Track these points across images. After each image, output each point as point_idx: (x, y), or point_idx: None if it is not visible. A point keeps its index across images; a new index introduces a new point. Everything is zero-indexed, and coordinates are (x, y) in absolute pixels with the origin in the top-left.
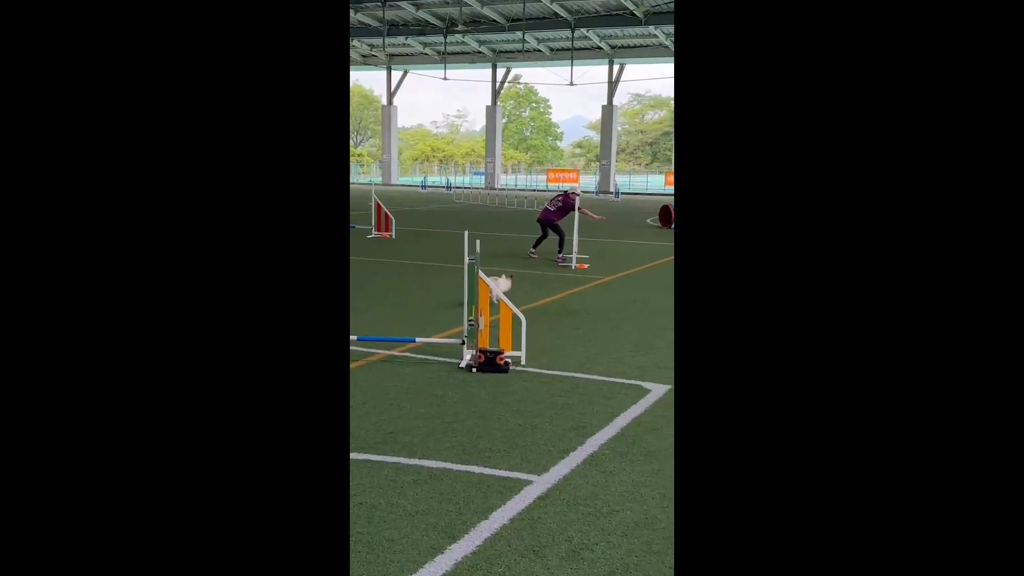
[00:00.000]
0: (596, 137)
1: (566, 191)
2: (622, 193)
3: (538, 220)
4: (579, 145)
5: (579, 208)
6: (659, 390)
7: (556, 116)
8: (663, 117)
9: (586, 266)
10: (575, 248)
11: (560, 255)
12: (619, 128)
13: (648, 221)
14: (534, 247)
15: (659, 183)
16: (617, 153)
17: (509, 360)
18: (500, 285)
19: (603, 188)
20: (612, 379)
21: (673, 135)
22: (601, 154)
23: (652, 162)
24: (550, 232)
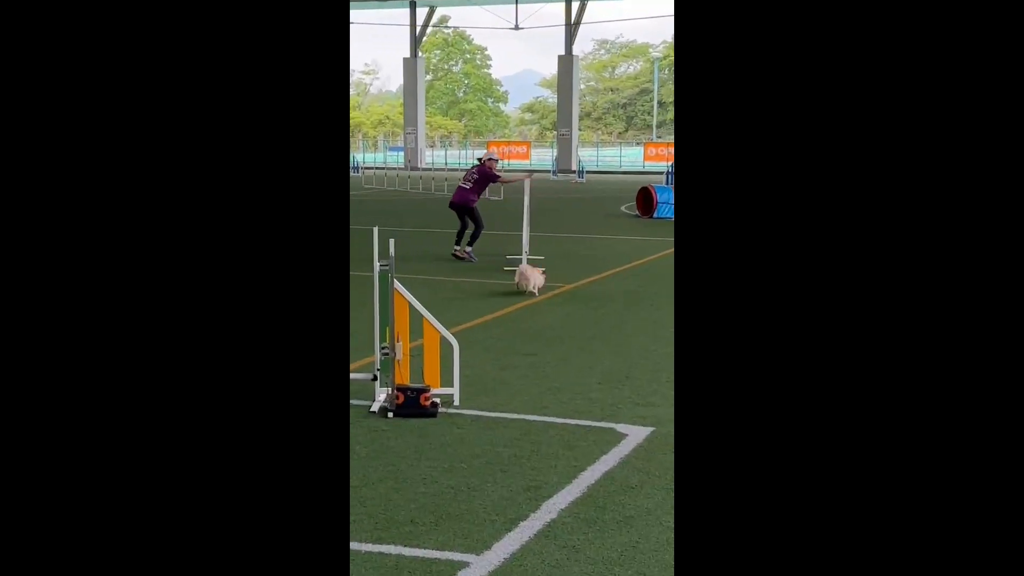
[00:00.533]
0: (552, 98)
1: (480, 159)
2: (588, 172)
3: (451, 205)
4: (530, 109)
5: (499, 176)
6: (637, 434)
7: (498, 71)
8: (639, 70)
9: (541, 270)
10: (525, 246)
11: (468, 249)
12: (582, 86)
13: (623, 208)
14: (457, 243)
15: (636, 158)
16: (580, 119)
17: (437, 400)
18: (533, 277)
19: (563, 166)
20: (576, 422)
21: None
22: (559, 121)
23: (626, 131)
24: (468, 219)
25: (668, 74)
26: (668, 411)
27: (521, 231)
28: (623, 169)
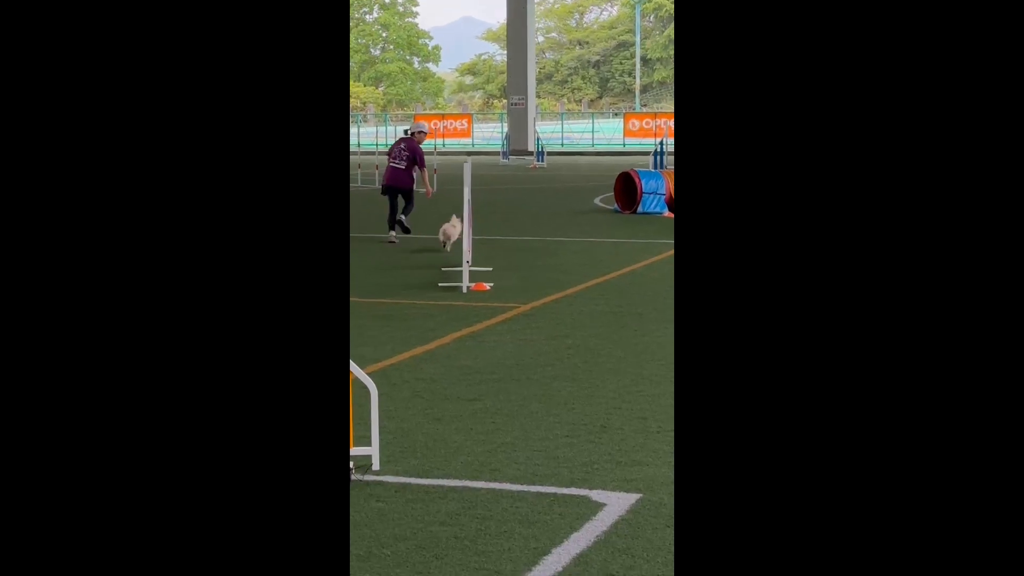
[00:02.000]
0: (500, 55)
1: (408, 131)
2: (549, 153)
3: (384, 188)
4: (470, 70)
5: (420, 160)
6: (618, 503)
7: (427, 20)
8: (616, 16)
9: (488, 286)
10: (466, 253)
11: (395, 234)
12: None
13: (597, 201)
14: (391, 227)
15: (613, 133)
16: (539, 83)
17: (350, 465)
18: (454, 227)
19: (516, 146)
20: (536, 488)
21: (636, 51)
22: (510, 86)
23: (600, 98)
24: (400, 199)
25: (655, 21)
26: (660, 471)
27: (461, 235)
28: (596, 149)
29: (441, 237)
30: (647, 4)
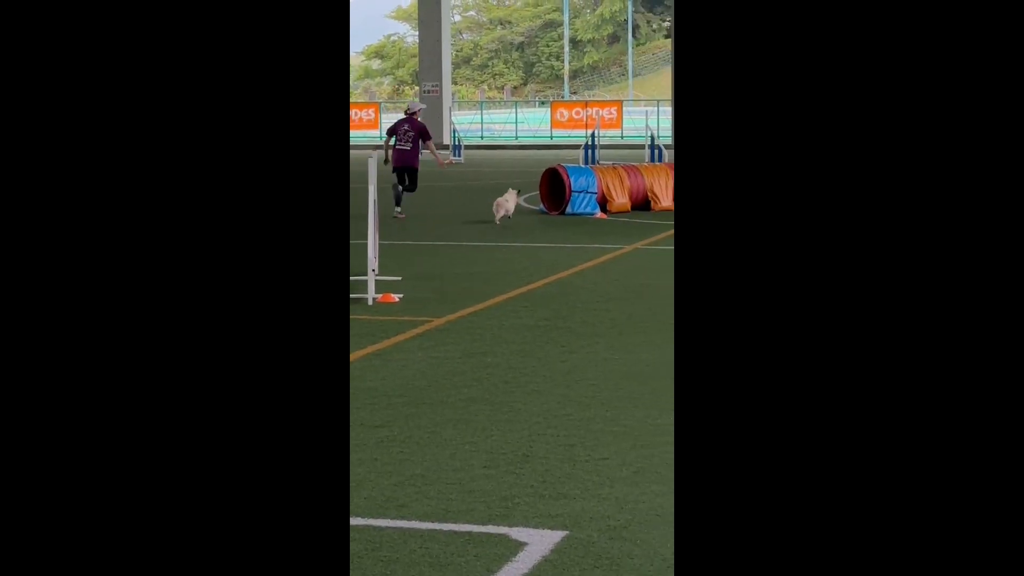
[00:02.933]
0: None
1: (408, 110)
2: (467, 147)
3: (394, 168)
4: (378, 53)
5: (430, 136)
6: (542, 542)
7: None
8: None
9: (397, 298)
10: (371, 261)
11: (400, 209)
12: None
13: (521, 201)
14: (397, 203)
15: (539, 124)
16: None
17: None
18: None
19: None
20: (450, 527)
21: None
22: (422, 71)
23: (524, 84)
24: (406, 178)
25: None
26: (588, 505)
27: (366, 238)
28: (520, 142)
29: (496, 210)
30: None
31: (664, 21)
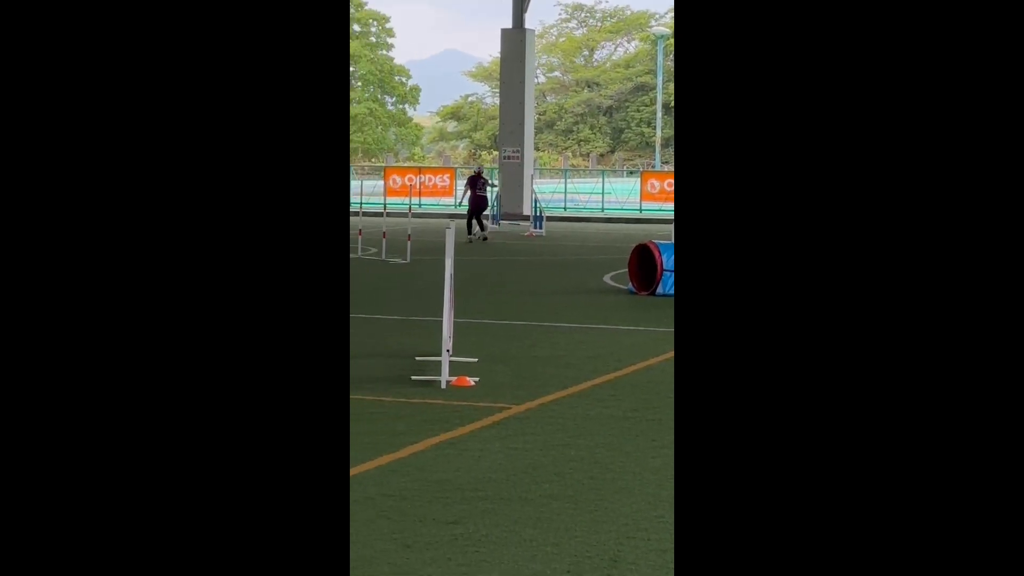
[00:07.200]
0: (491, 97)
1: (477, 171)
2: (549, 218)
3: (470, 210)
4: (455, 115)
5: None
6: None
7: (405, 54)
8: (635, 53)
9: (473, 381)
10: (446, 341)
11: (479, 231)
12: (541, 79)
13: (608, 279)
14: (470, 232)
15: (629, 195)
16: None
17: None
18: None
19: (509, 208)
20: None
21: (657, 96)
22: (502, 135)
23: (612, 151)
24: (478, 217)
25: None
26: None
27: (441, 315)
28: (607, 215)
29: None
30: (670, 40)
31: None
